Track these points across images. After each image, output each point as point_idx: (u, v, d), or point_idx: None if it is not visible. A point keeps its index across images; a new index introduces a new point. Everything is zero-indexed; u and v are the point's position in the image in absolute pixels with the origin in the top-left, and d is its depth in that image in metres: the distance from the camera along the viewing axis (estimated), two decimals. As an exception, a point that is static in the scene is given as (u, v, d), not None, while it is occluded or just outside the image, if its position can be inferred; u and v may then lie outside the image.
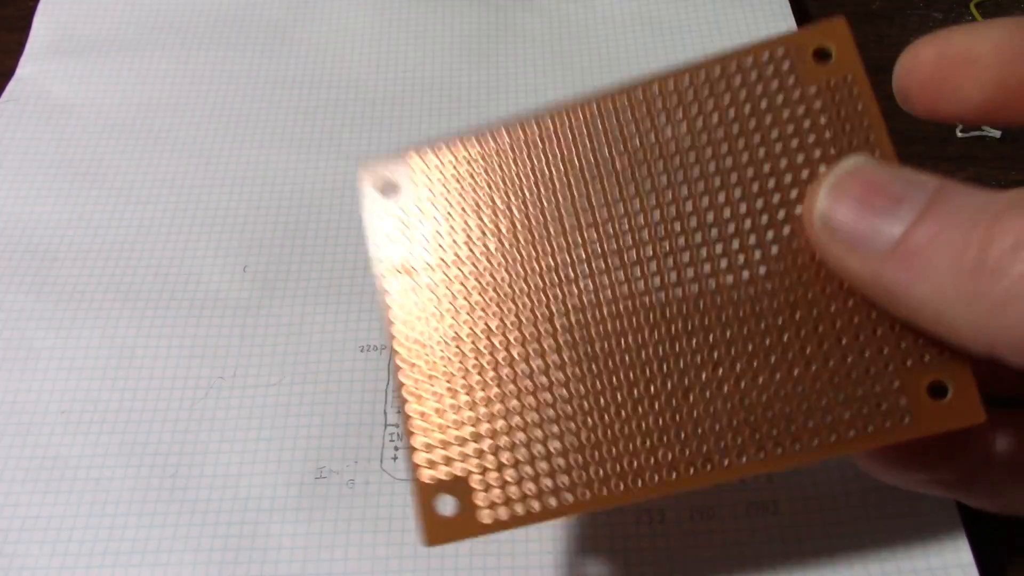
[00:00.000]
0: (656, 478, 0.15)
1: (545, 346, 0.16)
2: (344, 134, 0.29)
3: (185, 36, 0.33)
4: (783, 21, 0.31)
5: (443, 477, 0.16)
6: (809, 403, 0.15)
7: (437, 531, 0.15)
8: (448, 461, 0.16)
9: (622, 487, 0.15)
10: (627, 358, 0.16)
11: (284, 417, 0.23)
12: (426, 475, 0.16)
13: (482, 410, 0.16)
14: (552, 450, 0.15)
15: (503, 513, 0.15)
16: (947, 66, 0.15)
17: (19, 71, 0.31)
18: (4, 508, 0.21)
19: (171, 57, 0.32)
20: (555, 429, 0.16)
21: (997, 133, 0.28)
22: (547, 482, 0.15)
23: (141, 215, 0.27)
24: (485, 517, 0.15)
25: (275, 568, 0.20)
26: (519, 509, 0.15)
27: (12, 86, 0.31)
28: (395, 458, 0.22)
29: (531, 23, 0.32)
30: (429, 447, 0.16)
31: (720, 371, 0.15)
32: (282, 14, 0.33)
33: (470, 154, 0.17)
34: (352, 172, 0.28)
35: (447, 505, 0.15)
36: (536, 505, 0.15)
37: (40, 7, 0.33)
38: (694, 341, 0.15)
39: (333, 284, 0.25)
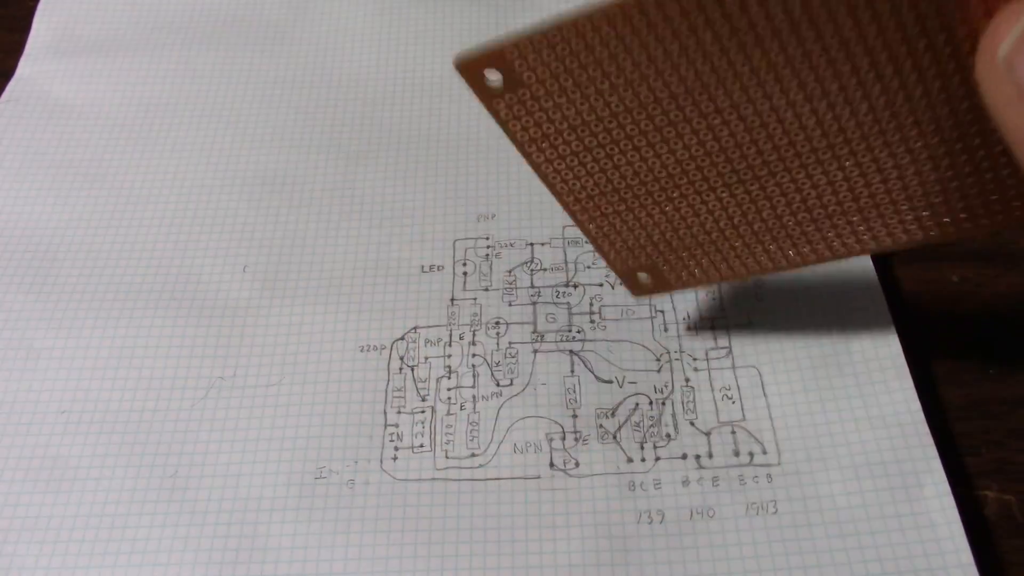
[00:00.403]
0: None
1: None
2: (344, 134, 0.29)
3: (185, 36, 0.33)
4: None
5: (635, 264, 0.21)
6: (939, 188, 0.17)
7: (641, 290, 0.22)
8: (636, 253, 0.21)
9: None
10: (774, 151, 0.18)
11: (284, 417, 0.23)
12: (623, 264, 0.21)
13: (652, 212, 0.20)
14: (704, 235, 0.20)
15: (684, 277, 0.21)
16: None
17: (19, 71, 0.31)
18: (4, 508, 0.21)
19: (171, 57, 0.32)
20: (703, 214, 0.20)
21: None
22: (704, 260, 0.20)
23: (141, 215, 0.27)
24: (672, 281, 0.21)
25: (275, 568, 0.20)
26: (694, 275, 0.21)
27: (12, 86, 0.31)
28: (395, 458, 0.22)
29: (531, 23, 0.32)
30: (614, 240, 0.21)
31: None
32: (282, 14, 0.33)
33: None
34: (352, 171, 0.28)
35: (645, 278, 0.21)
36: (698, 273, 0.21)
37: (40, 7, 0.33)
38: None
39: (333, 284, 0.25)
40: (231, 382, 0.23)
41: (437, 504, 0.21)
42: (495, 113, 0.18)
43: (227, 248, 0.26)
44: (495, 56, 0.18)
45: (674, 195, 0.19)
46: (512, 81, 0.18)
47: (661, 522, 0.20)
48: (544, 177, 0.19)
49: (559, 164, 0.19)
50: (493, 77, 0.18)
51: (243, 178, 0.28)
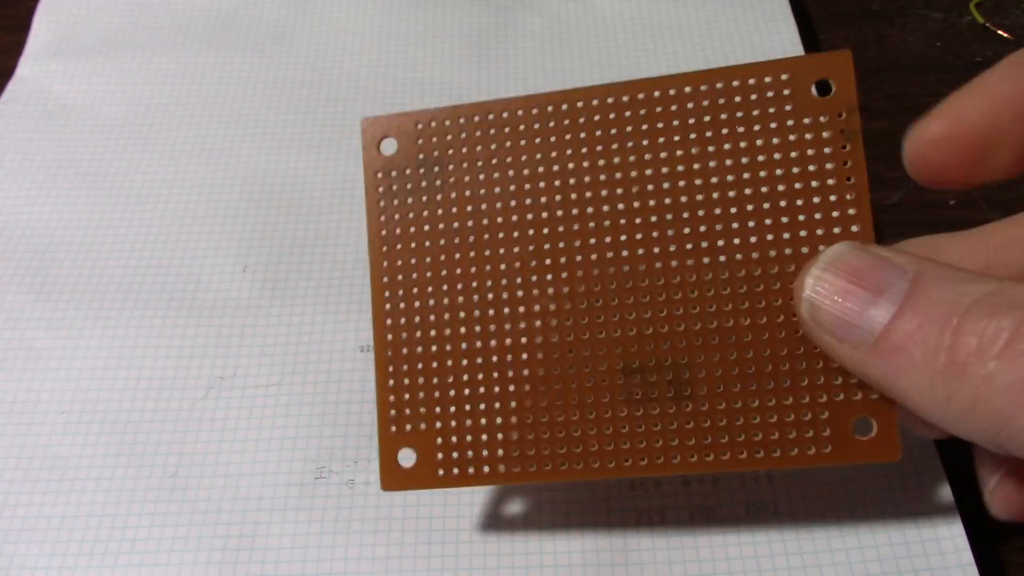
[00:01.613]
0: (612, 465, 0.17)
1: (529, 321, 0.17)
2: (344, 134, 0.29)
3: (185, 36, 0.33)
4: (783, 22, 0.31)
5: (407, 430, 0.18)
6: (757, 419, 0.16)
7: (393, 479, 0.18)
8: (415, 417, 0.18)
9: (577, 467, 0.17)
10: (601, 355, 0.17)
11: (284, 417, 0.23)
12: (391, 427, 0.18)
13: (456, 371, 0.18)
14: (513, 423, 0.17)
15: (456, 472, 0.18)
16: (966, 138, 0.15)
17: (19, 71, 0.31)
18: (4, 508, 0.21)
19: (171, 57, 0.32)
20: (516, 402, 0.17)
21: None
22: (501, 453, 0.17)
23: (141, 215, 0.27)
24: (440, 473, 0.18)
25: (275, 568, 0.20)
26: (471, 470, 0.17)
27: (12, 86, 0.31)
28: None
29: (531, 23, 0.32)
30: (400, 401, 0.18)
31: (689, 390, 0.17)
32: (282, 14, 0.33)
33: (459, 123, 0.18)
34: (352, 171, 0.28)
35: (407, 458, 0.18)
36: (487, 469, 0.17)
37: (40, 7, 0.33)
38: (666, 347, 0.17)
39: (333, 284, 0.25)
40: (231, 382, 0.23)
41: (437, 504, 0.21)
42: (371, 185, 0.18)
43: (227, 248, 0.26)
44: (399, 122, 0.18)
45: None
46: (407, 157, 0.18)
47: (661, 522, 0.20)
48: (376, 277, 0.18)
49: (403, 274, 0.18)
50: (388, 147, 0.18)
51: (243, 178, 0.28)
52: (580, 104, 0.17)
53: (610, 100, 0.17)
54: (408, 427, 0.18)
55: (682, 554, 0.20)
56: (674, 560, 0.20)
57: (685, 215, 0.17)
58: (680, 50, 0.31)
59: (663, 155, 0.17)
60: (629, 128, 0.17)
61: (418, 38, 0.32)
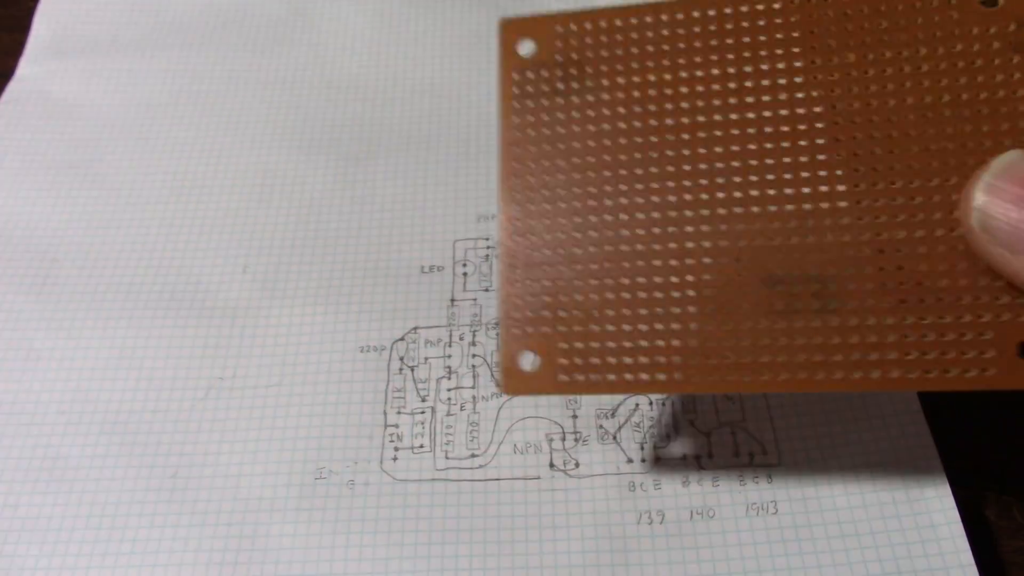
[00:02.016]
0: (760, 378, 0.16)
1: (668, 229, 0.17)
2: (344, 134, 0.29)
3: (185, 36, 0.33)
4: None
5: (529, 333, 0.17)
6: (910, 337, 0.15)
7: (515, 383, 0.17)
8: (538, 320, 0.17)
9: (707, 380, 0.16)
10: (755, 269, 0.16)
11: (284, 417, 0.23)
12: (513, 329, 0.17)
13: (581, 271, 0.17)
14: (643, 331, 0.17)
15: (580, 378, 0.17)
16: None
17: (19, 71, 0.31)
18: (4, 508, 0.21)
19: (171, 57, 0.32)
20: (647, 310, 0.17)
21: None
22: (630, 361, 0.17)
23: (141, 215, 0.27)
24: (561, 378, 0.17)
25: (275, 568, 0.20)
26: (595, 377, 0.17)
27: (12, 86, 0.31)
28: (395, 458, 0.22)
29: (531, 23, 0.32)
30: (522, 304, 0.17)
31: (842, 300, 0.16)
32: (282, 14, 0.33)
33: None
34: (352, 171, 0.28)
35: (529, 361, 0.17)
36: (612, 377, 0.17)
37: (40, 7, 0.33)
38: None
39: (333, 284, 0.25)
40: (231, 382, 0.23)
41: (437, 504, 0.21)
42: (506, 85, 0.18)
43: (227, 248, 0.26)
44: (538, 24, 0.18)
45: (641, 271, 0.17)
46: (543, 59, 0.18)
47: (661, 522, 0.20)
48: (506, 179, 0.18)
49: (534, 177, 0.18)
50: (526, 48, 0.18)
51: (243, 178, 0.28)
52: (735, 9, 0.17)
53: (776, 5, 0.17)
54: (530, 330, 0.17)
55: (682, 554, 0.20)
56: (674, 560, 0.20)
57: (840, 124, 0.16)
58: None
59: (817, 62, 0.16)
60: (789, 35, 0.17)
61: (418, 38, 0.32)
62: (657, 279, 0.17)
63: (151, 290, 0.25)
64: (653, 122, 0.17)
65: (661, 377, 0.16)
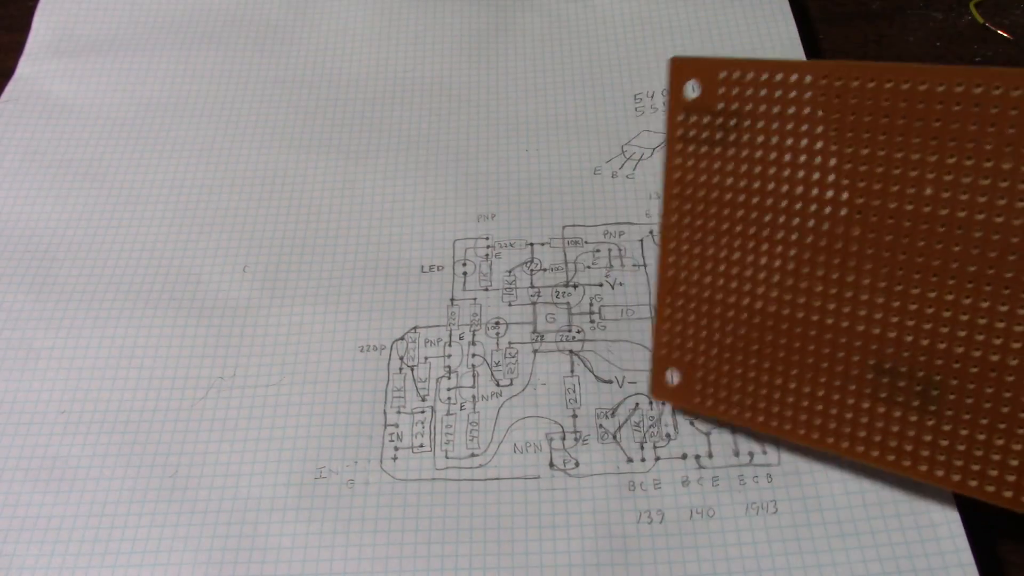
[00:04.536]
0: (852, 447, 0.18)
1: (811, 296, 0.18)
2: (344, 134, 0.29)
3: (185, 36, 0.33)
4: (783, 22, 0.31)
5: (675, 356, 0.20)
6: (998, 450, 0.16)
7: (661, 391, 0.21)
8: (683, 347, 0.20)
9: (808, 436, 0.19)
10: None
11: (284, 417, 0.23)
12: (663, 349, 0.20)
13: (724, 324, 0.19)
14: (763, 379, 0.19)
15: (710, 404, 0.20)
16: None
17: (19, 71, 0.31)
18: (4, 508, 0.21)
19: (171, 57, 0.32)
20: (769, 363, 0.19)
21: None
22: (750, 402, 0.19)
23: (141, 215, 0.27)
24: (696, 400, 0.20)
25: (275, 568, 0.20)
26: (722, 408, 0.20)
27: (12, 86, 0.31)
28: (395, 458, 0.22)
29: (531, 23, 0.32)
30: (672, 329, 0.20)
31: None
32: (282, 14, 0.33)
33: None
34: (352, 171, 0.28)
35: (673, 376, 0.20)
36: (735, 413, 0.19)
37: (40, 7, 0.33)
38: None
39: (333, 284, 0.25)
40: (231, 382, 0.23)
41: (437, 504, 0.21)
42: (672, 127, 0.19)
43: (227, 248, 0.26)
44: (707, 66, 0.18)
45: (780, 344, 0.18)
46: (707, 106, 0.18)
47: (661, 522, 0.20)
48: (667, 216, 0.19)
49: (690, 218, 0.19)
50: (691, 91, 0.19)
51: (243, 178, 0.28)
52: (889, 85, 0.16)
53: (923, 87, 0.16)
54: (676, 354, 0.20)
55: (682, 554, 0.20)
56: (674, 560, 0.20)
57: (974, 235, 0.16)
58: (680, 50, 0.31)
59: (953, 155, 0.16)
60: (937, 122, 0.16)
61: (418, 38, 0.32)
62: (784, 339, 0.18)
63: (151, 290, 0.25)
64: (800, 189, 0.18)
65: (773, 423, 0.19)
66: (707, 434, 0.22)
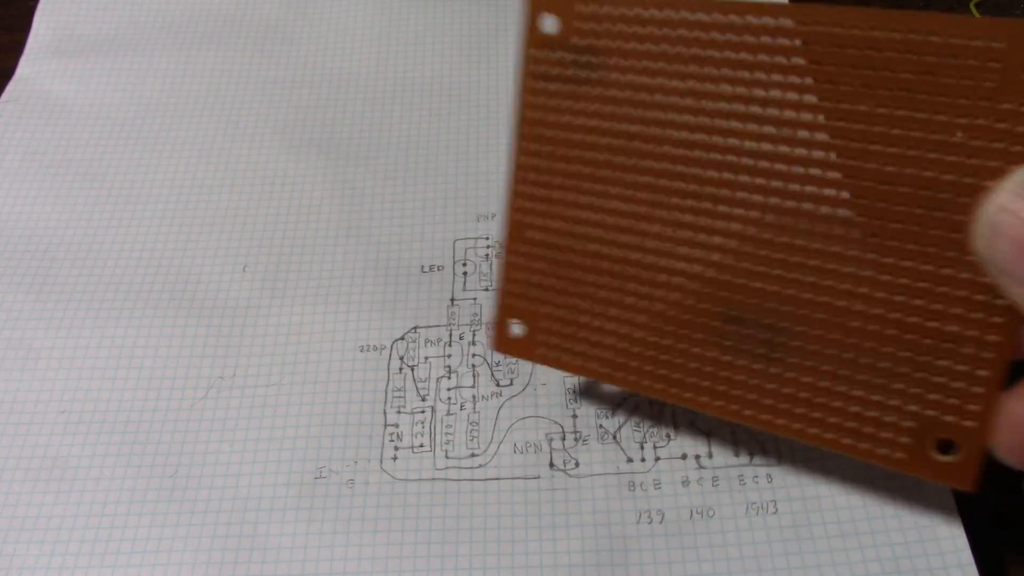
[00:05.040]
0: (688, 397, 0.18)
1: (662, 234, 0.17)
2: (344, 134, 0.29)
3: (185, 36, 0.33)
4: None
5: (521, 305, 0.19)
6: (839, 403, 0.16)
7: (503, 343, 0.19)
8: (529, 297, 0.19)
9: (653, 387, 0.18)
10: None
11: (284, 417, 0.23)
12: (508, 298, 0.19)
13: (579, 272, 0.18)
14: (609, 328, 0.18)
15: (554, 355, 0.19)
16: None
17: (19, 71, 0.31)
18: (4, 508, 0.21)
19: (171, 57, 0.32)
20: (616, 311, 0.18)
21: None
22: (595, 352, 0.18)
23: (141, 215, 0.27)
24: (539, 351, 0.19)
25: (275, 568, 0.20)
26: (566, 358, 0.19)
27: (12, 86, 0.31)
28: (395, 458, 0.22)
29: (531, 23, 0.32)
30: (519, 278, 0.19)
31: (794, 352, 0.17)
32: (282, 14, 0.33)
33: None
34: (352, 171, 0.28)
35: (516, 328, 0.19)
36: (579, 364, 0.19)
37: (40, 7, 0.33)
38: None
39: (333, 284, 0.25)
40: (231, 382, 0.23)
41: (437, 504, 0.21)
42: (526, 62, 0.18)
43: (227, 248, 0.26)
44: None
45: (635, 284, 0.18)
46: (563, 39, 0.17)
47: (661, 522, 0.20)
48: (517, 156, 0.18)
49: (541, 160, 0.18)
50: (549, 25, 0.18)
51: (243, 178, 0.28)
52: (767, 21, 0.16)
53: (804, 26, 0.15)
54: (522, 303, 0.19)
55: (682, 554, 0.20)
56: (674, 560, 0.20)
57: (836, 181, 0.15)
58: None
59: (830, 93, 0.15)
60: (807, 60, 0.15)
61: (418, 38, 0.32)
62: (632, 286, 0.18)
63: (151, 290, 0.25)
64: (656, 130, 0.17)
65: (618, 374, 0.18)
66: (707, 434, 0.22)
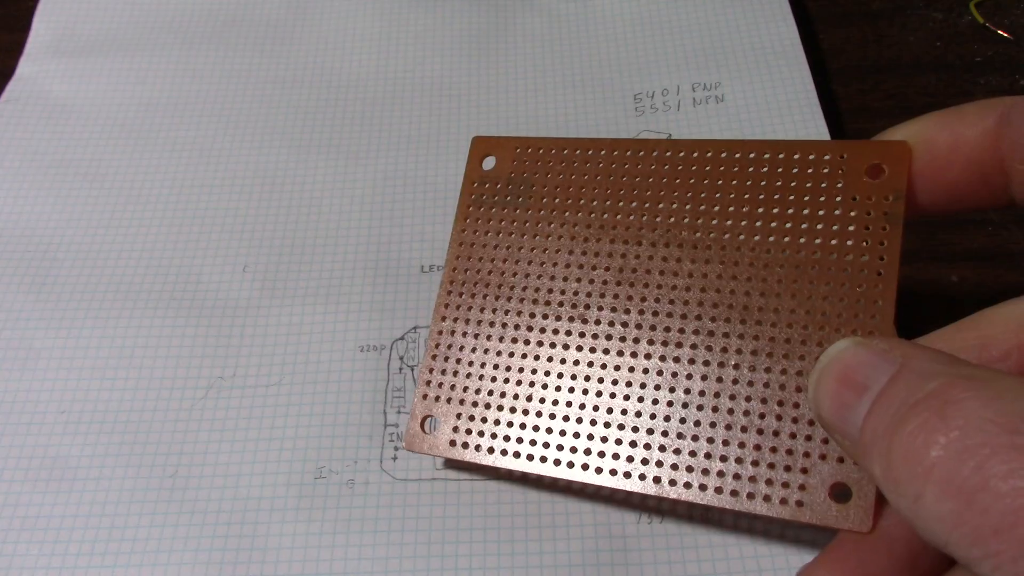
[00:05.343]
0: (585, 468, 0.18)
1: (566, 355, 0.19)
2: (344, 134, 0.29)
3: (185, 36, 0.33)
4: (783, 21, 0.31)
5: (433, 409, 0.20)
6: (746, 465, 0.17)
7: (414, 441, 0.20)
8: (444, 396, 0.20)
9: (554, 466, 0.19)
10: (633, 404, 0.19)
11: (284, 417, 0.23)
12: (423, 400, 0.20)
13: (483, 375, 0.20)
14: (513, 422, 0.19)
15: (460, 452, 0.20)
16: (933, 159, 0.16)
17: (19, 71, 0.31)
18: (4, 508, 0.21)
19: (171, 57, 0.32)
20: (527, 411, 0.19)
21: None
22: (504, 445, 0.19)
23: (141, 215, 0.27)
24: (447, 446, 0.20)
25: (275, 568, 0.20)
26: (474, 454, 0.19)
27: (12, 86, 0.31)
28: (395, 458, 0.22)
29: (531, 23, 0.32)
30: (435, 379, 0.20)
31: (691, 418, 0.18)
32: (282, 14, 0.33)
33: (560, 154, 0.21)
34: (352, 171, 0.28)
35: (430, 425, 0.20)
36: (488, 459, 0.19)
37: (40, 7, 0.33)
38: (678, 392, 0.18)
39: (333, 284, 0.25)
40: (231, 382, 0.23)
41: (437, 504, 0.21)
42: (467, 194, 0.22)
43: (227, 248, 0.26)
44: (502, 144, 0.22)
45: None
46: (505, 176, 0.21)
47: (661, 522, 0.20)
48: (447, 272, 0.21)
49: (467, 273, 0.21)
50: (488, 164, 0.22)
51: (243, 178, 0.28)
52: (657, 153, 0.20)
53: (681, 154, 0.20)
54: (436, 405, 0.20)
55: (682, 554, 0.20)
56: (674, 560, 0.20)
57: (727, 274, 0.18)
58: (680, 50, 0.31)
59: (715, 209, 0.19)
60: (693, 181, 0.19)
61: (418, 38, 0.32)
62: (542, 394, 0.19)
63: (151, 289, 0.25)
64: (561, 241, 0.20)
65: (530, 467, 0.19)
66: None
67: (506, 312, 0.20)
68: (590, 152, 0.21)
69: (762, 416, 0.17)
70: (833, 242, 0.18)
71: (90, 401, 0.23)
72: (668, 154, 0.20)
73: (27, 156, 0.29)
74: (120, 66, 0.32)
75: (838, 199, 0.18)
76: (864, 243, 0.17)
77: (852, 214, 0.17)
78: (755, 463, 0.17)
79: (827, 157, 0.18)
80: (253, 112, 0.30)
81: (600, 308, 0.19)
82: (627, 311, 0.19)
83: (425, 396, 0.20)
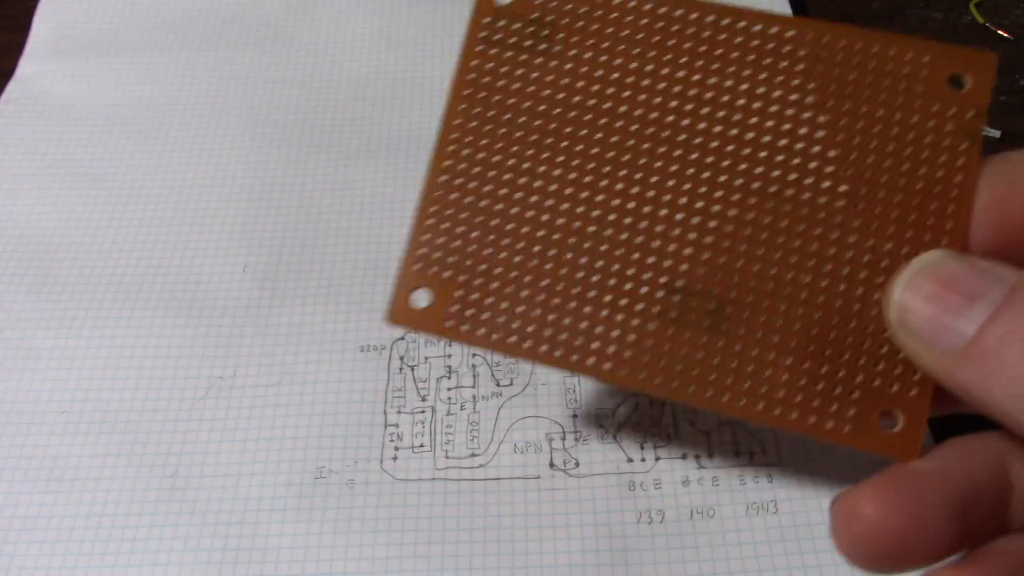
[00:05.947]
0: (621, 373, 0.16)
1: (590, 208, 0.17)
2: (344, 134, 0.29)
3: (185, 36, 0.33)
4: (783, 21, 0.31)
5: (431, 273, 0.17)
6: (785, 376, 0.16)
7: (400, 314, 0.17)
8: (442, 263, 0.17)
9: (573, 360, 0.16)
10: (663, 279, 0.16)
11: (284, 417, 0.23)
12: (415, 264, 0.17)
13: (498, 233, 0.17)
14: (537, 300, 0.17)
15: (464, 328, 0.17)
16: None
17: (19, 71, 0.31)
18: (4, 508, 0.21)
19: (171, 57, 0.32)
20: (548, 283, 0.17)
21: (996, 133, 0.28)
22: (516, 326, 0.16)
23: (141, 215, 0.27)
24: (448, 324, 0.17)
25: (275, 568, 0.20)
26: (480, 331, 0.16)
27: (12, 86, 0.31)
28: (395, 458, 0.22)
29: (531, 23, 0.32)
30: (433, 242, 0.17)
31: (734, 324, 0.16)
32: (282, 14, 0.33)
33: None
34: (352, 171, 0.28)
35: (421, 299, 0.17)
36: (495, 336, 0.16)
37: (40, 7, 0.33)
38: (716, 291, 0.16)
39: (333, 284, 0.25)
40: (231, 382, 0.23)
41: (437, 504, 0.21)
42: (475, 28, 0.19)
43: (227, 248, 0.26)
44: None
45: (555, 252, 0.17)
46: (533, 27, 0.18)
47: (661, 522, 0.20)
48: (450, 118, 0.18)
49: (477, 123, 0.18)
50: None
51: (243, 178, 0.28)
52: (721, 21, 0.17)
53: (756, 28, 0.17)
54: (433, 270, 0.17)
55: (682, 554, 0.20)
56: (674, 560, 0.20)
57: (783, 163, 0.16)
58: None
59: (777, 95, 0.17)
60: (756, 59, 0.17)
61: (417, 38, 0.32)
62: (567, 255, 0.17)
63: (151, 290, 0.25)
64: (607, 105, 0.17)
65: (542, 350, 0.16)
66: (707, 434, 0.22)
67: (527, 163, 0.17)
68: (647, 7, 0.17)
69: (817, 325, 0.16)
70: (907, 151, 0.16)
71: (90, 401, 0.23)
72: (738, 25, 0.17)
73: (27, 156, 0.29)
74: (120, 66, 0.32)
75: (917, 104, 0.16)
76: (940, 158, 0.16)
77: (930, 124, 0.16)
78: (792, 371, 0.16)
79: (909, 56, 0.17)
80: (253, 112, 0.30)
81: (659, 175, 0.17)
82: (677, 186, 0.17)
83: (417, 260, 0.17)
